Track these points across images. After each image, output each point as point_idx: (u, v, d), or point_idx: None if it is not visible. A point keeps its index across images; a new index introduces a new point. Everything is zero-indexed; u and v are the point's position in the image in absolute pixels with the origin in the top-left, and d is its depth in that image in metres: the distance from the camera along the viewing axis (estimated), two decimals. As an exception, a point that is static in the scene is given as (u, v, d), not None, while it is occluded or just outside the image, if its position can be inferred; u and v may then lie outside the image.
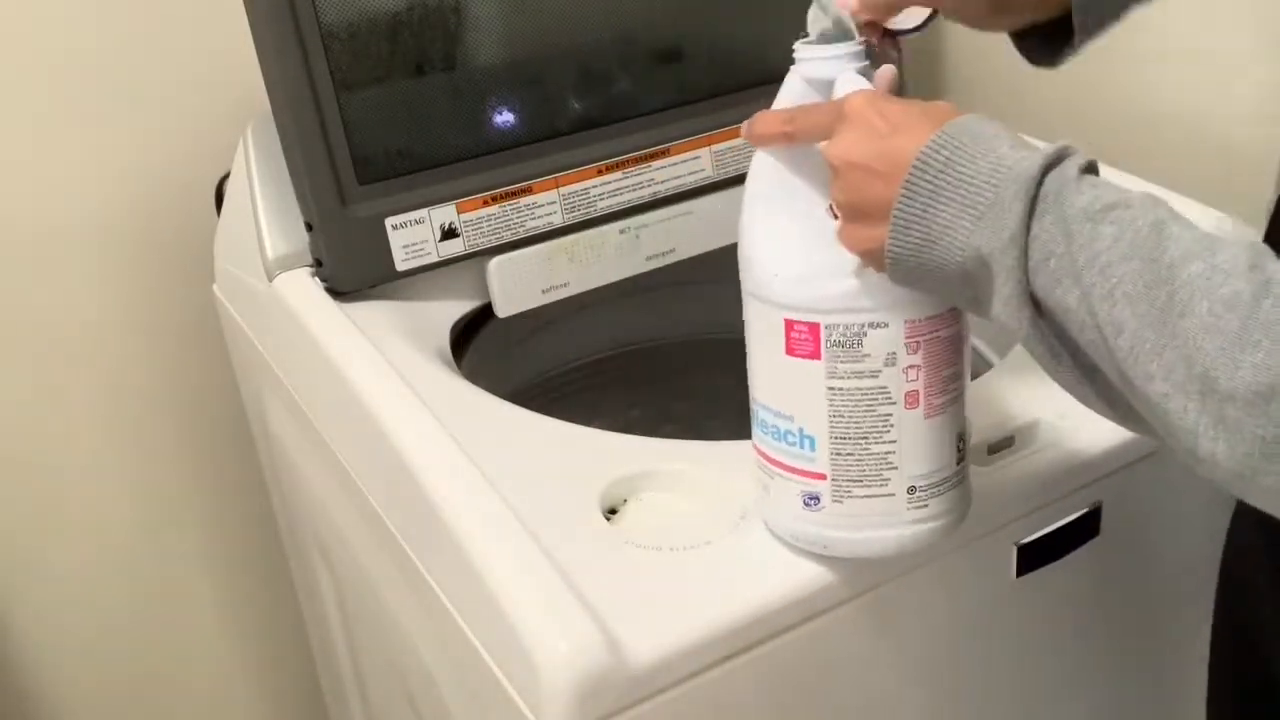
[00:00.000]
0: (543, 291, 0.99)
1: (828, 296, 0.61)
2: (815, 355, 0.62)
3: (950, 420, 0.64)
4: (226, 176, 1.06)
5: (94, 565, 1.30)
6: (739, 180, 1.04)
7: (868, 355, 0.61)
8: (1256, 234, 0.86)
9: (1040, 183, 0.51)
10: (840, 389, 0.62)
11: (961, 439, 0.66)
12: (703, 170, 1.03)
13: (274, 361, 0.99)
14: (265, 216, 0.96)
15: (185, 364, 1.26)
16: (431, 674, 0.81)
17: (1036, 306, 0.52)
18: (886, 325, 0.61)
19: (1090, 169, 0.52)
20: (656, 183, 1.01)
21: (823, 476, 0.64)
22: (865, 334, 0.61)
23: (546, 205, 0.97)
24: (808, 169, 0.63)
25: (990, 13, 0.69)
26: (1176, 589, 0.88)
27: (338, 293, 0.92)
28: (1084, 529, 0.78)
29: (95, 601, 1.31)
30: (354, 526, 0.88)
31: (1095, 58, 0.82)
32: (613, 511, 0.73)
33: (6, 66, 1.09)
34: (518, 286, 0.97)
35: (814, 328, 0.62)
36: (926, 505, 0.65)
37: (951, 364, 0.64)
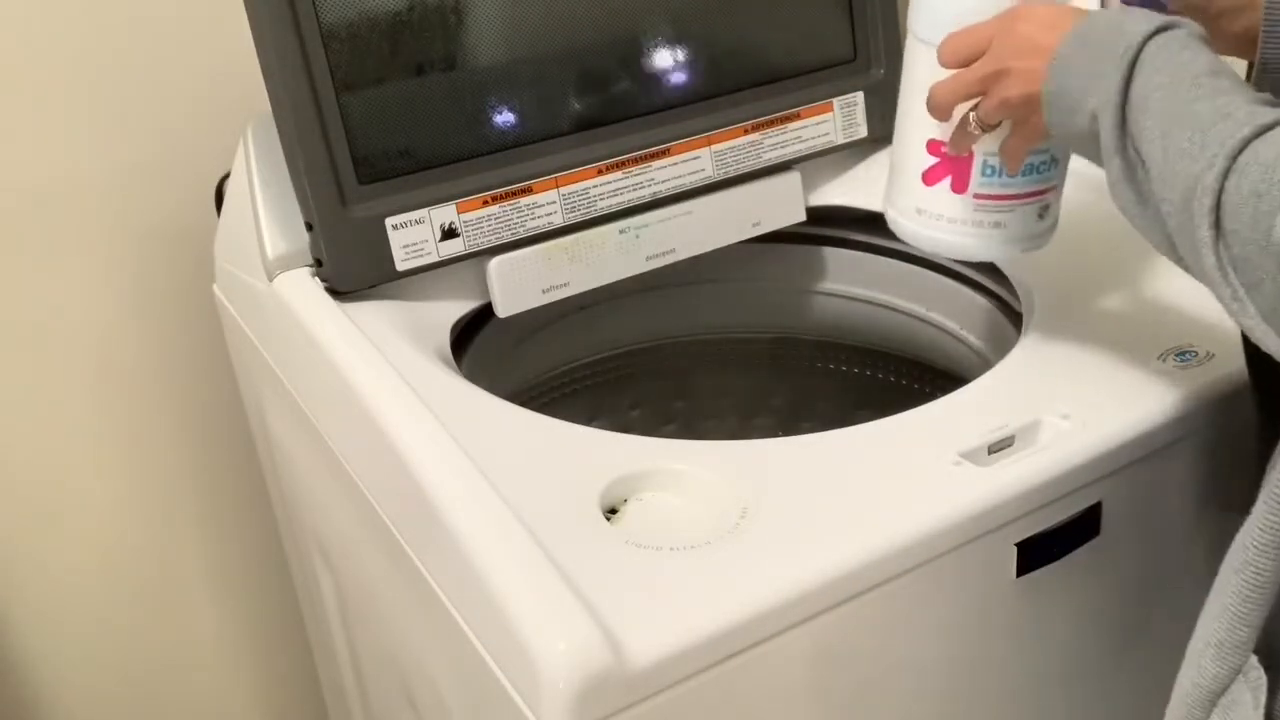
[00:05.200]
0: (543, 291, 0.99)
1: None
2: None
3: None
4: (226, 176, 1.06)
5: (93, 565, 1.30)
6: (739, 180, 1.05)
7: None
8: None
9: (1140, 49, 0.60)
10: None
11: None
12: (703, 170, 1.03)
13: (274, 361, 0.99)
14: (265, 216, 0.96)
15: (185, 364, 1.26)
16: (431, 674, 0.82)
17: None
18: None
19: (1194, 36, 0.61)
20: (656, 183, 1.01)
21: (1055, 188, 0.81)
22: None
23: (546, 205, 0.97)
24: None
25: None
26: (1177, 589, 0.88)
27: (338, 293, 0.92)
28: (1084, 529, 0.78)
29: (94, 601, 1.31)
30: (354, 526, 0.88)
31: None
32: (613, 511, 0.73)
33: (6, 66, 1.10)
34: (518, 286, 0.97)
35: None
36: None
37: None
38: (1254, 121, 0.53)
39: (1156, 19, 0.62)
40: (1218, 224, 0.53)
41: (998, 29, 0.70)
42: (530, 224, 0.97)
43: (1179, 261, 0.61)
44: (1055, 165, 0.79)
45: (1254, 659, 0.64)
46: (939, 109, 0.75)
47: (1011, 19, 0.69)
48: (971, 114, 0.73)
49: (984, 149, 0.77)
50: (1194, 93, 0.57)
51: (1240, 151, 0.53)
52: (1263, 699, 0.64)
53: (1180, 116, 0.57)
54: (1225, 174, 0.53)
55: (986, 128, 0.73)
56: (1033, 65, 0.67)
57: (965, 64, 0.72)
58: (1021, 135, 0.73)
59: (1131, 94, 0.60)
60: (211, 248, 1.11)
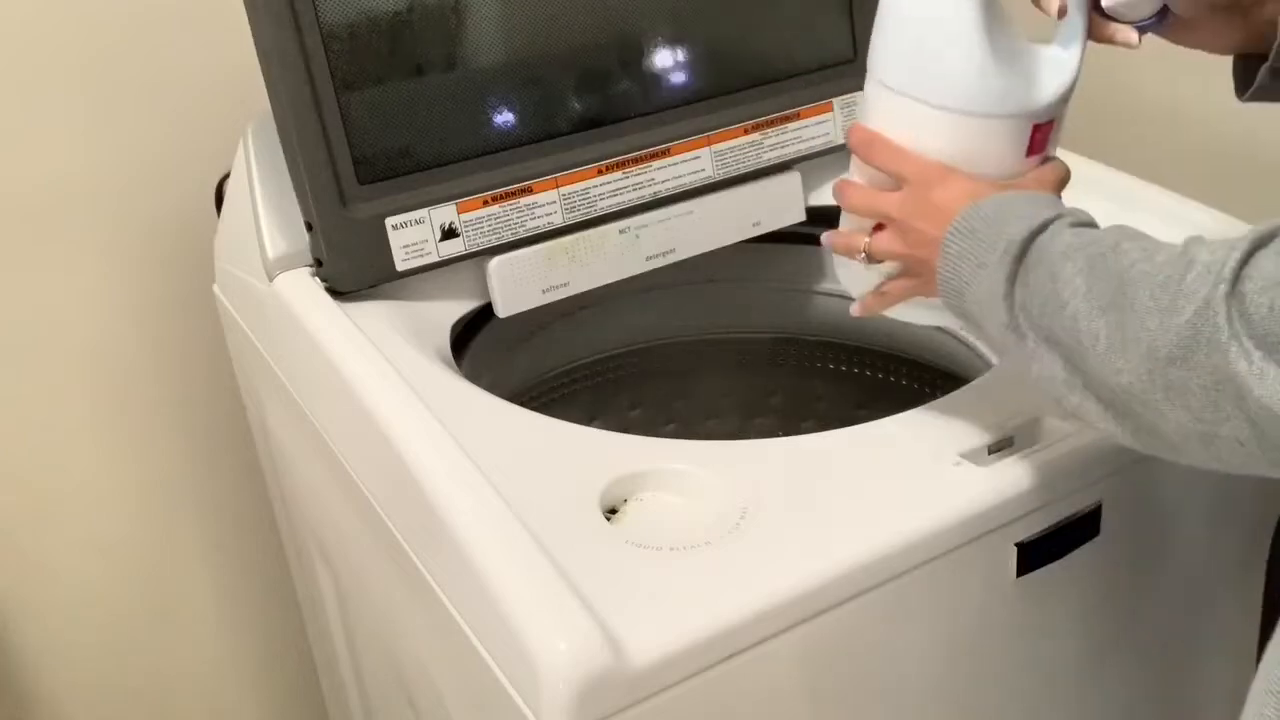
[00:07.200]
0: (543, 291, 0.99)
1: None
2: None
3: None
4: (226, 176, 1.06)
5: (94, 565, 1.30)
6: (739, 180, 1.05)
7: None
8: (1234, 224, 0.86)
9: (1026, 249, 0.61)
10: None
11: None
12: (703, 170, 1.03)
13: (274, 361, 0.99)
14: (265, 216, 0.96)
15: (185, 364, 1.26)
16: (431, 674, 0.82)
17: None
18: None
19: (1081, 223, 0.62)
20: (656, 183, 1.01)
21: None
22: None
23: (546, 205, 0.97)
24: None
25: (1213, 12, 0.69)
26: (1177, 588, 0.88)
27: (338, 293, 0.92)
28: (1084, 529, 0.78)
29: (94, 601, 1.31)
30: (354, 526, 0.88)
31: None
32: (613, 511, 0.73)
33: (6, 66, 1.10)
34: (518, 286, 0.97)
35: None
36: None
37: None
38: (1237, 248, 0.52)
39: (1041, 211, 0.62)
40: (1235, 322, 0.51)
41: (918, 176, 0.69)
42: (530, 224, 0.97)
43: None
44: None
45: None
46: (845, 207, 0.74)
47: (935, 178, 0.68)
48: (865, 240, 0.72)
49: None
50: (1121, 261, 0.57)
51: (1241, 268, 0.51)
52: None
53: (1123, 285, 0.56)
54: (1234, 286, 0.51)
55: (872, 260, 0.73)
56: (927, 231, 0.67)
57: (885, 186, 0.71)
58: (909, 286, 0.73)
59: (1024, 294, 0.61)
60: (211, 248, 1.11)
